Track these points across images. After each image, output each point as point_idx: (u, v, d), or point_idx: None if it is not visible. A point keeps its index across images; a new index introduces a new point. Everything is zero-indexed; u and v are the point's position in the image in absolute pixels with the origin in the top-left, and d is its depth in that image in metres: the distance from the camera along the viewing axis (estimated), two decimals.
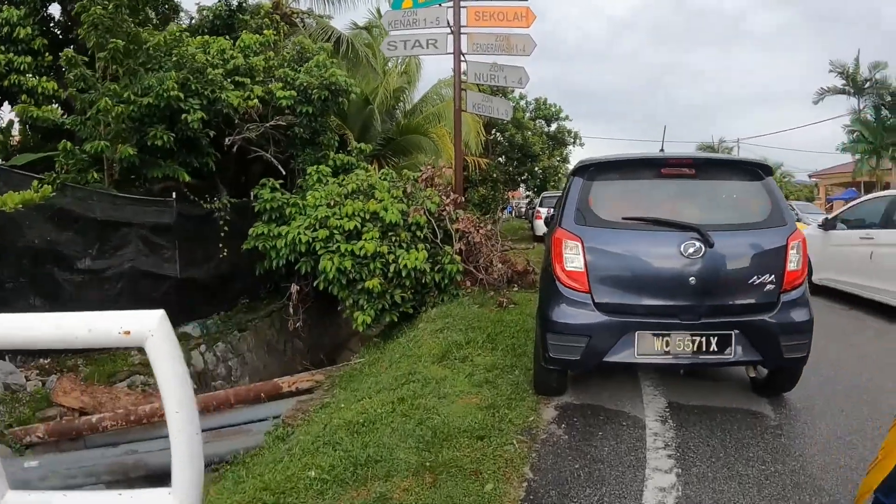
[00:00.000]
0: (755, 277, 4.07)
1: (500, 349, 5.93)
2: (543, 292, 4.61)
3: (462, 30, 10.18)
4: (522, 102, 28.17)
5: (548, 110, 29.00)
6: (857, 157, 29.03)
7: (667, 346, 4.08)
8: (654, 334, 4.08)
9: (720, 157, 5.10)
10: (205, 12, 11.49)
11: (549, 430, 4.28)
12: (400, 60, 17.41)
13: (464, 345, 6.02)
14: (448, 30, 10.18)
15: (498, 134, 25.93)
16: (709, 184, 4.62)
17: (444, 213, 8.45)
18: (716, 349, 4.07)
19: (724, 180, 4.67)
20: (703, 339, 4.05)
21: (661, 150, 5.53)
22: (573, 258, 4.19)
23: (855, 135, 28.72)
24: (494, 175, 22.98)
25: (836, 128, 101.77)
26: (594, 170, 4.53)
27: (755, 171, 4.56)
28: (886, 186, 29.67)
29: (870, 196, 10.15)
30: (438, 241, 8.20)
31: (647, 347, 4.08)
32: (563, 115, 29.54)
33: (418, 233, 8.10)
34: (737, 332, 4.07)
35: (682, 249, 4.00)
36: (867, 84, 28.05)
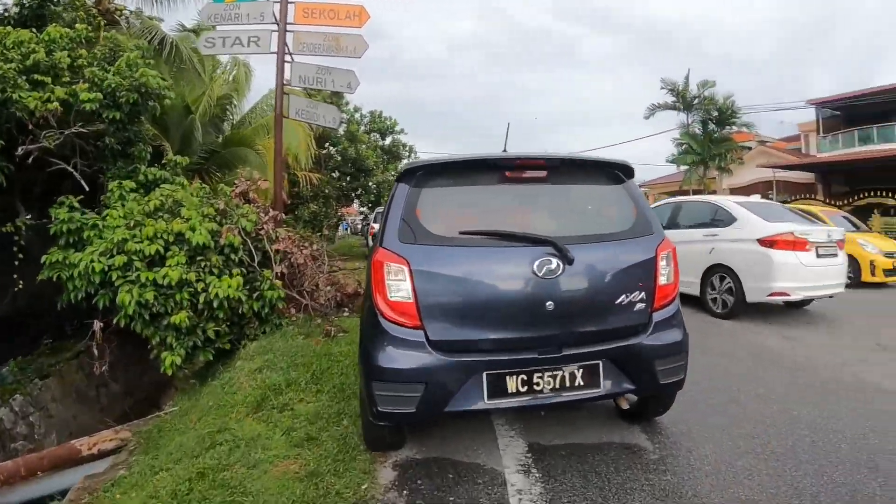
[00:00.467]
0: (623, 296, 3.55)
1: (327, 391, 5.03)
2: (365, 330, 3.72)
3: (288, 27, 9.29)
4: (357, 115, 27.68)
5: (382, 123, 28.65)
6: (686, 167, 31.25)
7: (523, 385, 3.41)
8: (507, 374, 3.40)
9: (576, 157, 4.24)
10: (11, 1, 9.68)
11: (388, 502, 3.38)
12: (228, 67, 16.14)
13: (284, 388, 5.07)
14: (273, 27, 9.26)
15: (331, 147, 25.08)
16: (564, 189, 3.95)
17: (262, 232, 7.42)
18: (582, 383, 3.47)
19: (582, 184, 4.01)
20: (567, 373, 3.46)
21: (505, 150, 4.85)
22: (398, 286, 3.39)
23: (683, 147, 30.76)
24: (326, 190, 21.68)
25: (666, 142, 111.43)
26: (423, 174, 3.73)
27: (615, 173, 3.98)
28: (713, 194, 32.51)
29: (659, 203, 11.68)
30: (256, 264, 7.17)
31: (499, 390, 3.39)
32: (398, 128, 29.41)
33: (232, 256, 6.97)
34: (605, 361, 3.51)
35: (535, 268, 3.39)
36: (696, 100, 30.06)
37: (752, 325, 8.01)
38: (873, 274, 12.25)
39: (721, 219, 8.90)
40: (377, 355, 3.39)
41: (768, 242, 8.03)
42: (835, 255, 8.47)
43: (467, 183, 3.81)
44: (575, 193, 4.01)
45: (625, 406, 4.28)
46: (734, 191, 33.60)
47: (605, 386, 3.50)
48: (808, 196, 25.52)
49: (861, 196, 23.23)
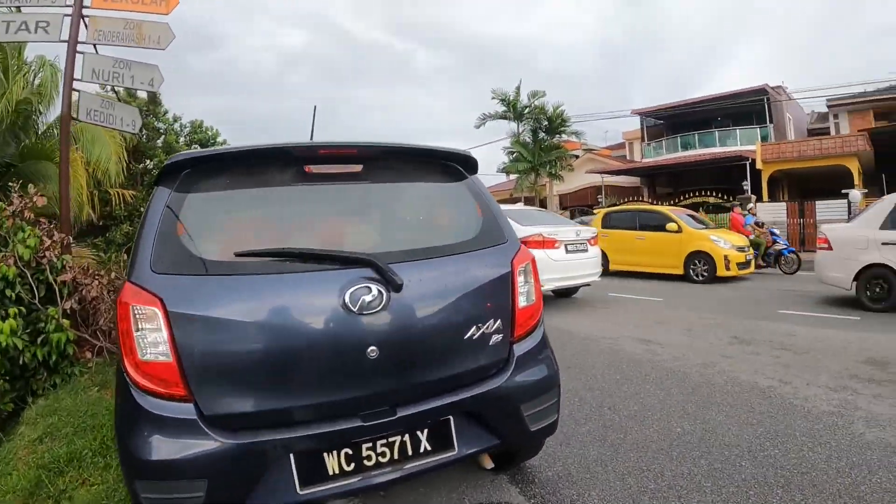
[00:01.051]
0: (473, 328, 2.64)
1: (117, 464, 3.63)
2: (118, 406, 2.50)
3: (85, 12, 7.58)
4: (177, 125, 25.44)
5: (203, 134, 26.48)
6: (517, 175, 31.75)
7: (349, 463, 2.40)
8: (325, 451, 2.38)
9: (402, 147, 3.03)
10: None
11: None
12: (34, 67, 13.57)
13: (65, 464, 3.73)
14: (66, 10, 7.53)
15: (148, 161, 22.70)
16: (387, 188, 2.92)
17: (45, 260, 5.82)
18: (429, 448, 2.55)
19: (411, 181, 2.99)
20: (407, 439, 2.49)
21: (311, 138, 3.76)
22: (151, 338, 2.23)
23: (514, 155, 31.31)
24: (142, 209, 19.60)
25: (497, 152, 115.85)
26: (190, 173, 2.54)
27: (454, 167, 3.03)
28: (544, 200, 33.42)
29: None
30: (38, 300, 5.62)
31: (316, 474, 2.35)
32: (220, 139, 27.32)
33: (7, 292, 5.31)
34: (458, 415, 2.59)
35: (347, 301, 2.36)
36: (526, 110, 30.60)
37: (585, 323, 7.85)
38: (728, 268, 12.84)
39: None
40: (134, 443, 2.23)
41: (522, 243, 8.61)
42: (585, 251, 10.05)
43: (252, 183, 2.64)
44: (402, 194, 3.00)
45: (488, 466, 3.41)
46: (564, 196, 35.32)
47: (461, 447, 2.60)
48: (635, 198, 27.21)
49: (685, 196, 25.04)
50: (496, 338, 2.67)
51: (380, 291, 2.38)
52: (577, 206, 33.84)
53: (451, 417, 2.54)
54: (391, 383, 2.48)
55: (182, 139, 24.90)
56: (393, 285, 2.39)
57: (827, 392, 4.76)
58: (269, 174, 2.61)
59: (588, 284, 10.36)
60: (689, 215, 14.99)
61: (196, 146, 25.31)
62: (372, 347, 2.34)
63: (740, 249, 13.25)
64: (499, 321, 2.70)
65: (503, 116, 30.99)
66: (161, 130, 23.14)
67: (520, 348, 2.80)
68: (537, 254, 8.56)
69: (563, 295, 10.93)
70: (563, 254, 9.61)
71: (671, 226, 13.68)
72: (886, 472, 3.28)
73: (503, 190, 38.58)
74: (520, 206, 13.72)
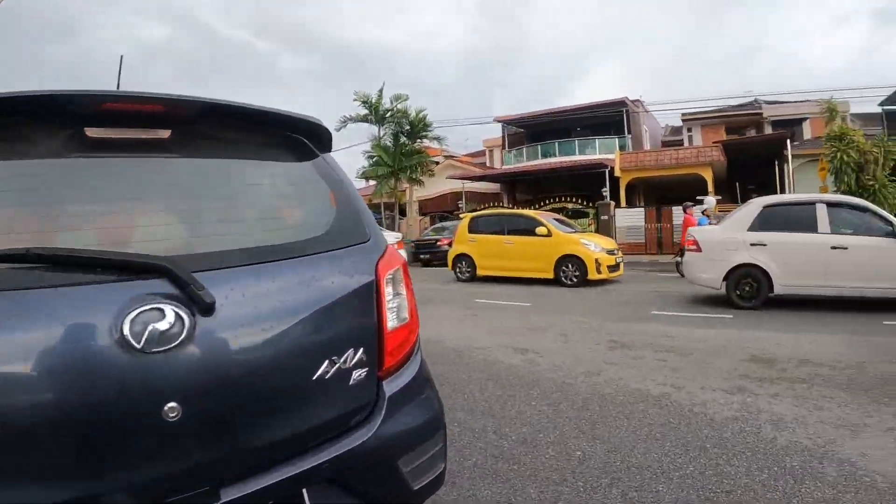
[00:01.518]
0: (325, 364, 1.79)
1: None
2: None
3: None
4: None
5: None
6: (376, 181, 31.27)
7: None
8: None
9: (230, 107, 1.96)
10: None
11: None
12: None
13: None
14: None
15: None
16: (204, 165, 1.99)
17: None
18: None
19: (239, 157, 2.09)
20: None
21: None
22: None
23: (375, 159, 30.62)
24: None
25: (359, 157, 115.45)
26: None
27: (299, 140, 2.15)
28: (404, 205, 33.02)
29: None
30: None
31: None
32: None
33: None
34: (313, 487, 1.76)
35: (127, 331, 1.44)
36: (388, 113, 30.05)
37: (454, 332, 7.49)
38: (599, 272, 12.85)
39: None
40: None
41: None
42: None
43: (4, 151, 1.63)
44: (225, 173, 2.02)
45: None
46: (424, 202, 35.32)
47: None
48: (495, 204, 27.57)
49: (545, 202, 25.72)
50: (358, 374, 1.89)
51: (179, 316, 1.50)
52: (437, 211, 33.84)
53: (304, 491, 1.73)
54: (207, 454, 1.60)
55: None
56: (200, 305, 1.53)
57: (724, 395, 4.52)
58: (30, 138, 1.66)
59: None
60: (556, 219, 15.03)
61: None
62: (171, 404, 1.47)
63: (610, 252, 13.39)
64: (361, 351, 1.91)
65: (365, 119, 30.30)
66: None
67: (391, 386, 2.04)
68: None
69: None
70: None
71: (541, 230, 13.55)
72: (812, 480, 3.00)
73: (364, 195, 37.98)
74: None
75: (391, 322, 2.03)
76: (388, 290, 2.06)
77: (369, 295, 2.00)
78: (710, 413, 4.10)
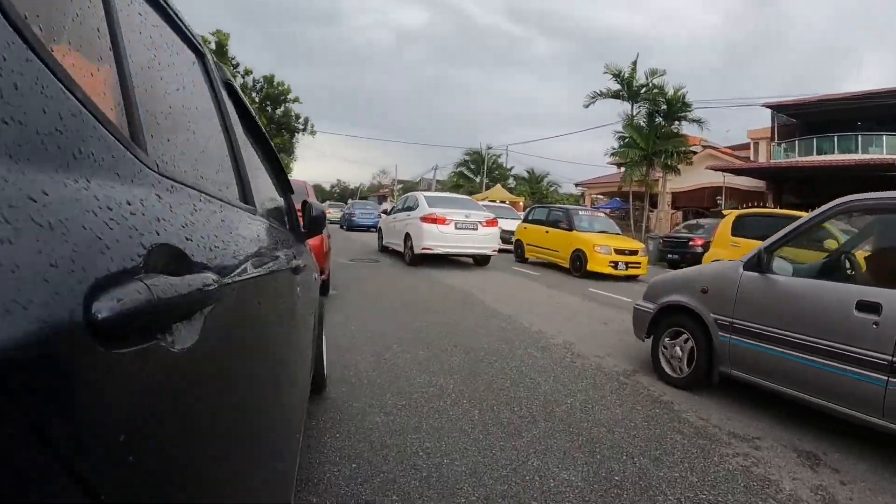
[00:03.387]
0: None
1: None
2: None
3: None
4: (249, 79, 24.23)
5: (274, 89, 25.48)
6: (625, 167, 28.93)
7: None
8: None
9: None
10: None
11: None
12: None
13: None
14: None
15: None
16: None
17: None
18: None
19: None
20: None
21: None
22: None
23: (626, 141, 28.06)
24: None
25: (606, 140, 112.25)
26: None
27: None
28: (656, 197, 30.60)
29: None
30: None
31: None
32: (290, 96, 26.31)
33: None
34: None
35: None
36: (643, 90, 27.54)
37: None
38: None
39: (412, 206, 14.10)
40: None
41: (424, 219, 12.94)
42: (474, 229, 13.22)
43: None
44: None
45: None
46: (678, 195, 32.27)
47: None
48: (758, 204, 24.02)
49: (814, 208, 21.91)
50: None
51: None
52: (691, 207, 30.86)
53: None
54: None
55: (256, 95, 23.66)
56: None
57: None
58: None
59: (487, 256, 13.96)
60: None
61: (267, 104, 23.89)
62: None
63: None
64: None
65: (616, 95, 28.23)
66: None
67: None
68: (431, 227, 12.76)
69: (480, 263, 14.28)
70: (453, 229, 12.97)
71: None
72: None
73: (611, 182, 36.02)
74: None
75: None
76: None
77: None
78: None
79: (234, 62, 21.77)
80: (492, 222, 13.52)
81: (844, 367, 3.60)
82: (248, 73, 23.83)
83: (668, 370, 5.06)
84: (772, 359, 4.12)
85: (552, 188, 44.63)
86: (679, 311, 5.00)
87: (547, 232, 15.56)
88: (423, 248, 12.81)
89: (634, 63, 27.61)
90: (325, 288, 7.85)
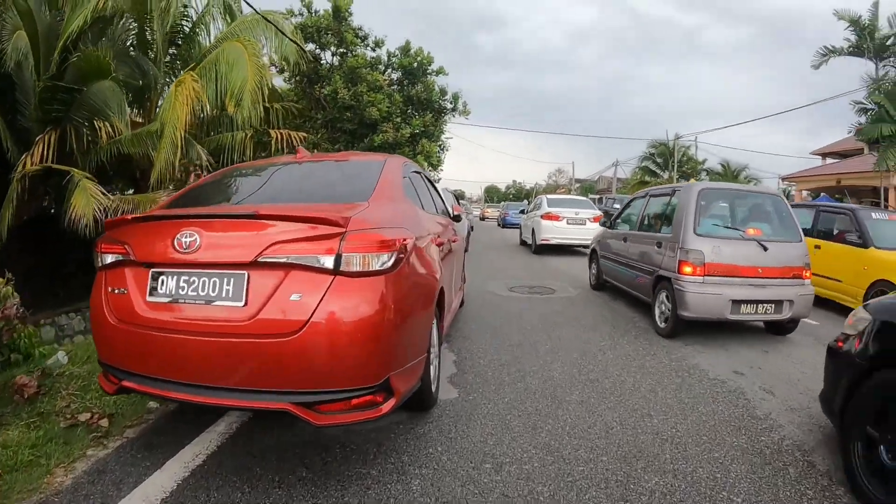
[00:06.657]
0: None
1: None
2: None
3: None
4: (383, 51, 20.39)
5: (411, 59, 20.15)
6: (877, 151, 19.82)
7: None
8: None
9: None
10: None
11: None
12: None
13: None
14: None
15: (321, 90, 18.99)
16: None
17: None
18: None
19: None
20: None
21: None
22: None
23: (874, 113, 18.93)
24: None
25: (799, 132, 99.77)
26: None
27: None
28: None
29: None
30: None
31: None
32: (433, 68, 20.57)
33: None
34: None
35: None
36: (890, 40, 19.95)
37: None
38: None
39: (538, 206, 18.19)
40: None
41: (543, 217, 16.86)
42: (582, 224, 16.38)
43: None
44: None
45: None
46: None
47: None
48: None
49: None
50: None
51: None
52: None
53: None
54: None
55: (386, 69, 20.31)
56: None
57: None
58: None
59: (585, 245, 14.05)
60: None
61: (397, 73, 20.63)
62: None
63: None
64: None
65: (854, 51, 21.25)
66: (337, 51, 19.43)
67: None
68: (548, 223, 16.51)
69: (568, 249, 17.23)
70: (565, 224, 16.47)
71: None
72: None
73: (814, 176, 28.98)
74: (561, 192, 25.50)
75: None
76: None
77: None
78: None
79: (360, 32, 19.47)
80: (598, 218, 15.64)
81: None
82: (378, 44, 20.01)
83: None
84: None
85: (752, 183, 37.58)
86: None
87: (817, 248, 9.55)
88: (542, 240, 16.62)
89: (876, 4, 20.64)
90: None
